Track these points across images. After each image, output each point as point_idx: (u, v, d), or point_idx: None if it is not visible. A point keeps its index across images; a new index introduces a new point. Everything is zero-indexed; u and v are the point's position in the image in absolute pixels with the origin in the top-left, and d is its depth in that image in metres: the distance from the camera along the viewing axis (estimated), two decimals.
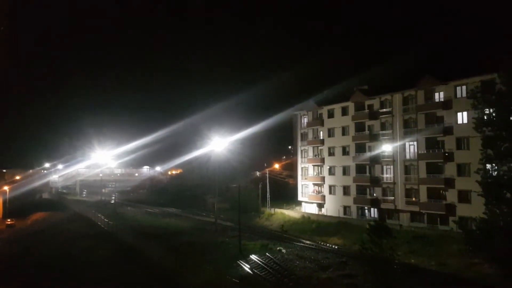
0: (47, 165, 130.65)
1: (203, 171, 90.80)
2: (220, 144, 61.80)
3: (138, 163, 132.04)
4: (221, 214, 68.21)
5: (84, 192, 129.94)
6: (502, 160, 24.19)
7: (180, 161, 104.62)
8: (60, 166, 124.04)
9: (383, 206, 54.81)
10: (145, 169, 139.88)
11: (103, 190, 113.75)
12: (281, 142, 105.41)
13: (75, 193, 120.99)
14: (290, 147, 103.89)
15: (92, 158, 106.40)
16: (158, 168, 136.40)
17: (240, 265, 36.01)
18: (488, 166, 26.78)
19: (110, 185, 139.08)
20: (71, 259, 42.90)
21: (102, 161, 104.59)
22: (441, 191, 48.20)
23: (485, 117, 25.07)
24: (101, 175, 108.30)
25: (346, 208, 60.26)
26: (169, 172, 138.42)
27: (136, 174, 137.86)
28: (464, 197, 45.29)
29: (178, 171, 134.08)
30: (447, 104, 47.82)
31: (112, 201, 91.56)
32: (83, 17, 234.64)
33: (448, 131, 47.43)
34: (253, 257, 37.77)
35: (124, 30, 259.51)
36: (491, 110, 25.23)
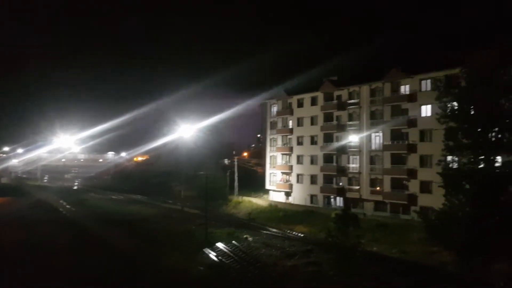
0: (6, 149, 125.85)
1: (170, 158, 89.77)
2: (188, 130, 61.19)
3: (103, 148, 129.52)
4: (188, 201, 67.79)
5: (46, 178, 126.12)
6: (462, 152, 24.97)
7: (147, 148, 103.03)
8: (20, 151, 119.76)
9: (348, 195, 55.88)
10: (110, 155, 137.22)
11: (66, 176, 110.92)
12: (250, 130, 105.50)
13: (36, 179, 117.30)
14: (259, 135, 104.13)
15: (54, 142, 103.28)
16: (123, 154, 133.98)
17: (206, 253, 35.93)
18: (449, 158, 27.69)
19: (73, 171, 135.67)
20: (29, 246, 41.56)
21: (65, 146, 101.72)
22: (404, 181, 49.56)
23: (448, 110, 25.76)
24: (63, 160, 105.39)
25: (312, 197, 61.06)
26: (135, 159, 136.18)
27: (101, 160, 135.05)
28: (425, 187, 46.71)
29: (145, 158, 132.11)
30: (412, 97, 48.96)
31: (75, 187, 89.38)
32: None
33: (412, 123, 48.65)
34: (219, 245, 37.74)
35: (89, 10, 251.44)
36: (453, 104, 25.97)
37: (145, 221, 52.36)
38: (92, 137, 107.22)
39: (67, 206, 59.08)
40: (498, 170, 23.56)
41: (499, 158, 24.68)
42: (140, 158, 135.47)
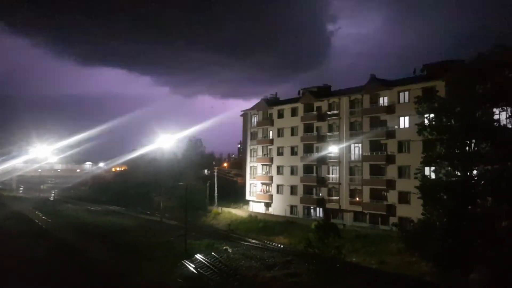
0: None
1: (149, 168, 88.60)
2: (167, 141, 60.61)
3: (80, 159, 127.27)
4: (167, 212, 67.01)
5: (21, 188, 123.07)
6: (440, 163, 25.32)
7: (126, 158, 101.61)
8: None
9: (328, 205, 56.05)
10: (88, 165, 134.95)
11: (42, 187, 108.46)
12: (231, 141, 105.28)
13: (11, 189, 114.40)
14: (239, 146, 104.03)
15: (30, 152, 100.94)
16: (101, 165, 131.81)
17: (185, 264, 35.44)
18: (427, 169, 28.05)
19: (49, 181, 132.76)
20: (3, 257, 40.27)
21: (42, 156, 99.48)
22: (383, 192, 49.99)
23: (427, 122, 26.15)
24: (40, 170, 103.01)
25: (292, 208, 61.04)
26: (113, 169, 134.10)
27: (78, 170, 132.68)
28: (404, 198, 47.18)
29: (123, 168, 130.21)
30: (390, 109, 49.66)
31: (52, 198, 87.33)
32: None
33: (390, 134, 49.27)
34: (198, 256, 37.32)
35: (65, 13, 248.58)
36: (432, 116, 26.39)
37: (123, 232, 51.46)
38: (70, 147, 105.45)
39: (43, 217, 57.62)
40: (474, 181, 23.94)
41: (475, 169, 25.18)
42: (118, 169, 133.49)
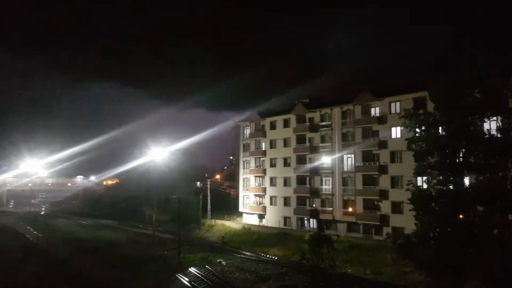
0: None
1: (141, 181, 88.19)
2: (160, 153, 60.44)
3: (71, 172, 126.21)
4: (160, 226, 66.52)
5: (11, 203, 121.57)
6: (431, 174, 25.49)
7: (117, 171, 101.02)
8: None
9: (322, 216, 56.08)
10: (79, 179, 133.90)
11: (33, 201, 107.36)
12: (223, 153, 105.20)
13: (1, 204, 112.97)
14: (232, 157, 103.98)
15: (21, 167, 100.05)
16: (92, 178, 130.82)
17: (179, 278, 35.12)
18: (419, 179, 28.24)
19: (40, 196, 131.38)
20: None
21: (32, 170, 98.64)
22: (376, 202, 50.21)
23: (417, 134, 26.36)
24: (30, 185, 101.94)
25: (286, 219, 60.96)
26: (105, 183, 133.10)
27: (69, 184, 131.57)
28: (397, 208, 47.42)
29: (115, 181, 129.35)
30: (382, 119, 50.13)
31: (42, 212, 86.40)
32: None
33: (382, 144, 49.65)
34: (192, 269, 37.03)
35: (56, 31, 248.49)
36: (422, 128, 26.62)
37: (116, 247, 50.93)
38: (61, 161, 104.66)
39: (34, 232, 56.89)
40: (466, 191, 24.14)
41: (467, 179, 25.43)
42: (110, 182, 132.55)
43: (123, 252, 46.69)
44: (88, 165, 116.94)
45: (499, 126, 24.00)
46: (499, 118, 24.55)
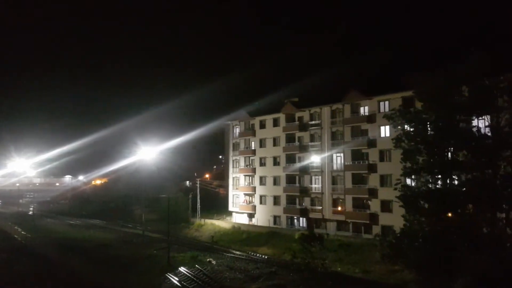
0: None
1: (130, 181, 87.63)
2: (149, 153, 60.08)
3: (60, 172, 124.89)
4: (149, 225, 66.16)
5: None
6: (419, 173, 25.62)
7: (106, 171, 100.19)
8: None
9: (311, 215, 56.17)
10: (67, 178, 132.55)
11: (20, 201, 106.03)
12: (213, 152, 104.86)
13: None
14: (221, 157, 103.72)
15: (8, 166, 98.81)
16: (81, 178, 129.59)
17: (169, 278, 34.95)
18: (408, 178, 28.38)
19: (28, 195, 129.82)
20: None
21: (20, 170, 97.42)
22: (365, 201, 50.44)
23: (404, 132, 26.47)
24: (18, 184, 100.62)
25: (276, 218, 60.96)
26: (93, 182, 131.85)
27: (57, 184, 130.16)
28: (386, 206, 47.66)
29: (103, 181, 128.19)
30: (371, 118, 50.33)
31: (31, 212, 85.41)
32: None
33: (372, 143, 49.86)
34: (182, 269, 36.87)
35: (43, 29, 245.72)
36: (408, 126, 26.75)
37: (105, 246, 50.60)
38: (49, 160, 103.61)
39: (23, 233, 56.23)
40: (455, 189, 24.32)
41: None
42: (98, 181, 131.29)
43: (113, 252, 46.38)
44: (76, 165, 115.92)
45: (489, 124, 24.24)
46: (488, 117, 24.79)
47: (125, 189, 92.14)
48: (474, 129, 24.67)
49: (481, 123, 25.77)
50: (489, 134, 24.32)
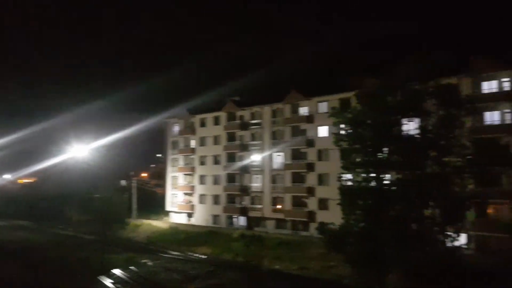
0: None
1: (61, 180, 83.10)
2: (82, 150, 57.22)
3: None
4: (83, 226, 63.16)
5: None
6: (355, 170, 26.52)
7: (34, 169, 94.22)
8: None
9: (251, 214, 56.38)
10: None
11: None
12: (151, 151, 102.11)
13: None
14: (159, 155, 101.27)
15: None
16: (7, 176, 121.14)
17: (101, 280, 33.48)
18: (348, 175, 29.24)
19: None
20: None
21: None
22: (303, 199, 51.43)
23: (342, 132, 27.33)
24: None
25: (215, 217, 60.53)
26: (20, 181, 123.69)
27: None
28: (323, 204, 48.85)
29: (32, 180, 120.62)
30: (310, 118, 51.42)
31: None
32: None
33: (310, 143, 50.96)
34: (116, 271, 35.54)
35: None
36: (347, 126, 27.63)
37: (34, 249, 47.72)
38: None
39: None
40: (387, 187, 25.36)
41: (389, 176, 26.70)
42: (26, 180, 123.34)
43: (43, 255, 43.90)
44: (1, 163, 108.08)
45: (419, 126, 25.51)
46: (418, 119, 26.12)
47: (56, 188, 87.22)
48: (405, 131, 25.91)
49: (412, 126, 27.07)
50: (418, 135, 25.60)
